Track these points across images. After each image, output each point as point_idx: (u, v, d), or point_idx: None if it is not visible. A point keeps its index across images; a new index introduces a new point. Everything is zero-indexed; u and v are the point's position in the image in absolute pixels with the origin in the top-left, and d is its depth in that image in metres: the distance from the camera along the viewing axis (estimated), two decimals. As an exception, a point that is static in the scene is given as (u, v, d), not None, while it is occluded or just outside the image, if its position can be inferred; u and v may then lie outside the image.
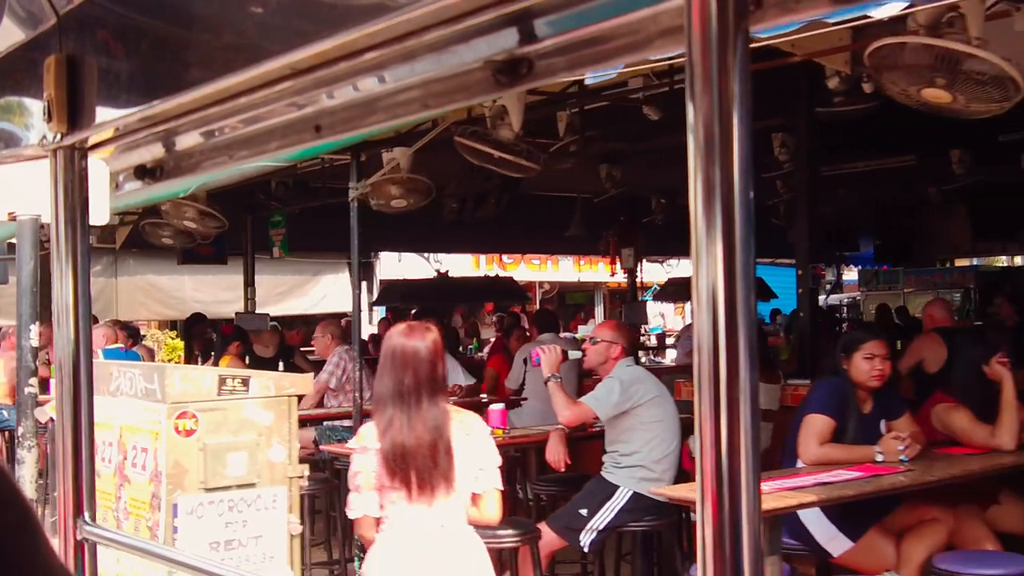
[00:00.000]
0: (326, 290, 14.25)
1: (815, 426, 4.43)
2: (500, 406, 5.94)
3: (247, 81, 1.53)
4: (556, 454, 5.30)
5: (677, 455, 5.01)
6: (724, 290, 0.97)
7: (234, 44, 1.56)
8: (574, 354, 5.62)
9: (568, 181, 9.14)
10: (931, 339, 6.75)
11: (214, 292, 12.66)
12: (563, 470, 5.40)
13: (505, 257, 18.74)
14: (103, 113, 1.88)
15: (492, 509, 3.42)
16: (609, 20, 1.10)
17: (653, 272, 17.99)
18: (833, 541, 4.30)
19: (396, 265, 16.55)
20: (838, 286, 16.57)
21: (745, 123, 0.97)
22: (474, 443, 3.40)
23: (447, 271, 14.79)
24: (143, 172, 2.01)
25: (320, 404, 7.29)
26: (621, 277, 13.05)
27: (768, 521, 3.67)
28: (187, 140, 1.89)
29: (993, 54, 3.34)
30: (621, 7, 1.08)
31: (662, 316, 21.45)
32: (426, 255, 16.68)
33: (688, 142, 0.98)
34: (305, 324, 11.89)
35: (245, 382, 4.00)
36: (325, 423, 6.97)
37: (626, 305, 12.87)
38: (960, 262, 15.90)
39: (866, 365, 4.51)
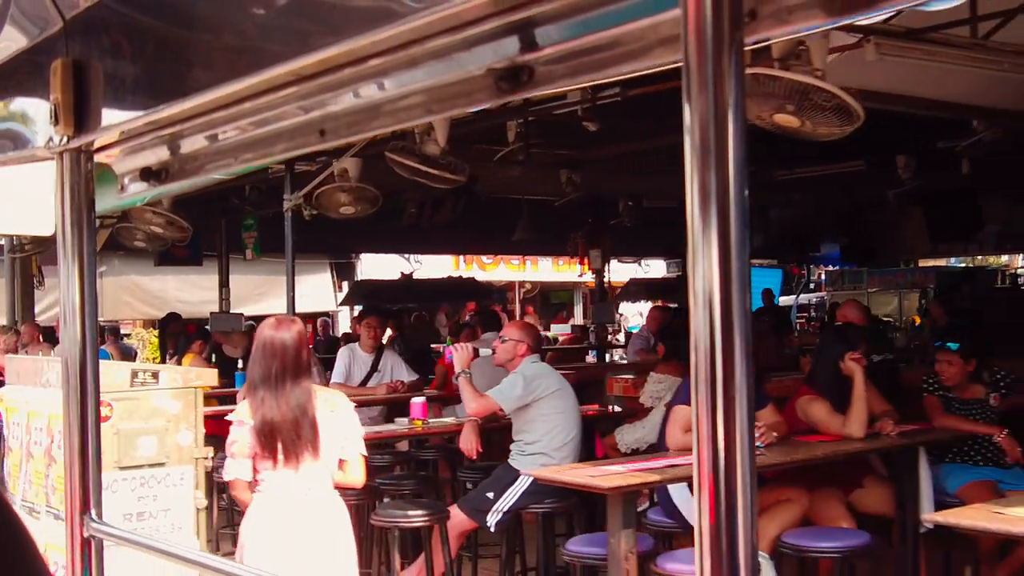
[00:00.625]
0: (306, 290, 14.47)
1: (680, 416, 4.89)
2: (421, 399, 6.51)
3: (253, 86, 1.55)
4: (468, 442, 5.88)
5: (577, 443, 5.47)
6: (720, 290, 0.99)
7: (240, 49, 1.58)
8: (484, 352, 6.14)
9: (535, 185, 9.66)
10: None
11: (197, 292, 12.98)
12: (474, 457, 5.91)
13: (484, 258, 18.99)
14: (109, 116, 1.91)
15: (356, 473, 4.07)
16: (609, 29, 1.13)
17: (629, 272, 18.22)
18: None
19: (376, 265, 16.93)
20: (807, 286, 17.20)
21: (740, 128, 0.99)
22: (338, 418, 4.02)
23: (411, 273, 15.35)
24: (149, 174, 2.04)
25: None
26: (591, 277, 13.39)
27: (621, 496, 4.22)
28: (193, 143, 1.91)
29: (835, 86, 3.78)
30: (621, 17, 1.10)
31: (641, 315, 21.70)
32: (407, 256, 16.99)
33: (684, 146, 1.01)
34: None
35: (155, 375, 4.55)
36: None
37: (594, 305, 13.24)
38: (924, 262, 16.10)
39: None
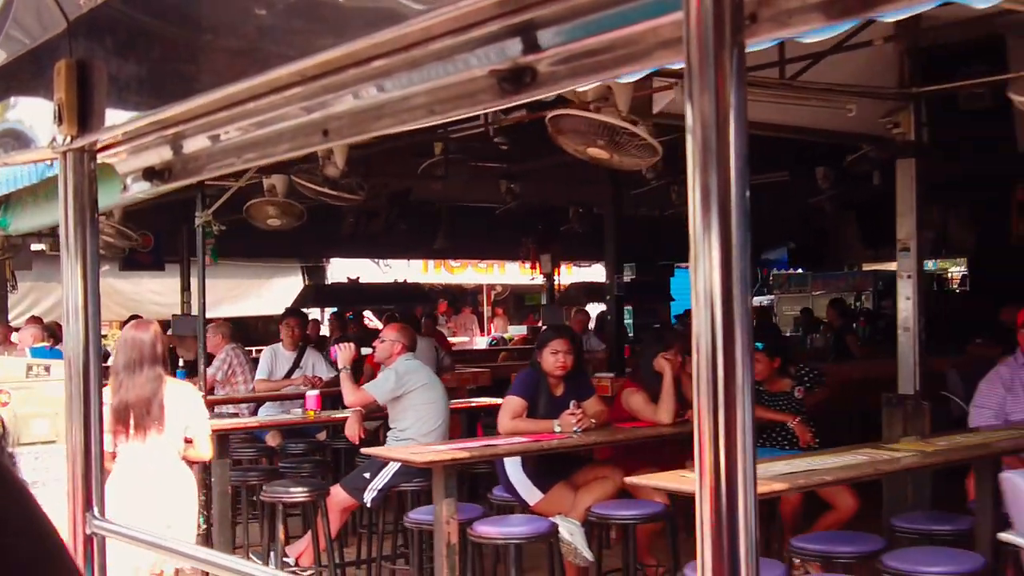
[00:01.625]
0: (278, 292, 15.43)
1: (509, 405, 5.69)
2: (315, 392, 7.18)
3: (256, 87, 1.56)
4: (352, 430, 6.55)
5: (444, 430, 6.26)
6: (721, 289, 1.00)
7: (243, 50, 1.59)
8: (366, 350, 7.07)
9: (476, 194, 10.83)
10: None
11: (171, 295, 13.34)
12: (357, 443, 6.53)
13: (453, 262, 19.53)
14: (112, 116, 1.91)
15: (204, 448, 4.94)
16: (611, 32, 1.14)
17: (595, 275, 18.79)
18: (529, 493, 5.61)
19: (346, 269, 17.63)
20: (761, 289, 18.28)
21: (741, 128, 1.01)
22: (185, 403, 4.88)
23: (358, 277, 16.45)
24: (152, 174, 2.05)
25: (212, 393, 8.24)
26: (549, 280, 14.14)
27: (442, 470, 4.91)
28: (195, 143, 1.92)
29: (641, 128, 4.51)
30: (623, 20, 1.11)
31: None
32: (376, 260, 17.74)
33: (687, 146, 1.02)
34: (264, 324, 13.16)
35: (47, 368, 5.36)
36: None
37: (544, 307, 13.93)
38: (869, 266, 16.78)
39: (551, 358, 5.71)
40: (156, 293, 13.99)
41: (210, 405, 7.77)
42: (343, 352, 6.43)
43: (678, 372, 5.99)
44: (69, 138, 1.96)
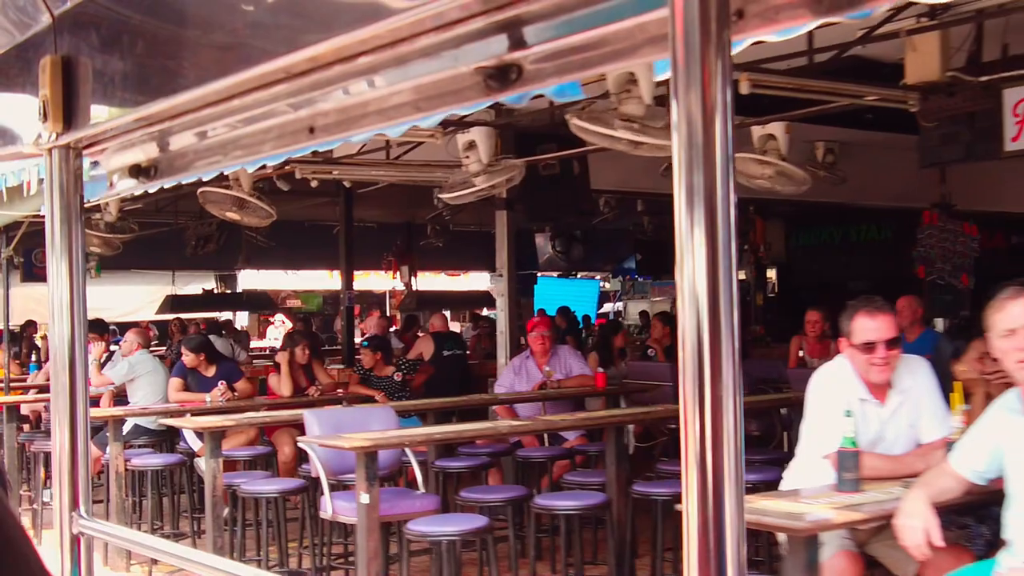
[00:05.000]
0: (143, 298, 17.95)
1: (172, 384, 8.16)
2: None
3: (242, 83, 1.55)
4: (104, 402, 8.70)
5: (164, 399, 8.23)
6: (707, 287, 0.99)
7: (229, 46, 1.58)
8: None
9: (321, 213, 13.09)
10: (426, 339, 10.36)
11: (93, 301, 14.56)
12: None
13: (357, 272, 21.08)
14: (98, 113, 1.90)
15: None
16: (597, 28, 1.13)
17: (468, 283, 21.31)
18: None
19: (256, 278, 19.59)
20: (619, 296, 20.95)
21: (726, 127, 1.00)
22: None
23: (212, 288, 18.59)
24: (137, 171, 2.04)
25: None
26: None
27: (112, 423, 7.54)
28: (182, 140, 1.91)
29: (260, 200, 6.95)
30: (609, 16, 1.11)
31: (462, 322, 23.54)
32: (286, 270, 20.01)
33: (673, 144, 1.01)
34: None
35: None
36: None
37: (401, 312, 16.29)
38: None
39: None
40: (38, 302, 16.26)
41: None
42: (124, 345, 8.77)
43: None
44: (54, 135, 1.95)
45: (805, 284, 15.57)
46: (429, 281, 19.65)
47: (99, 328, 9.62)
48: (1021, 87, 5.68)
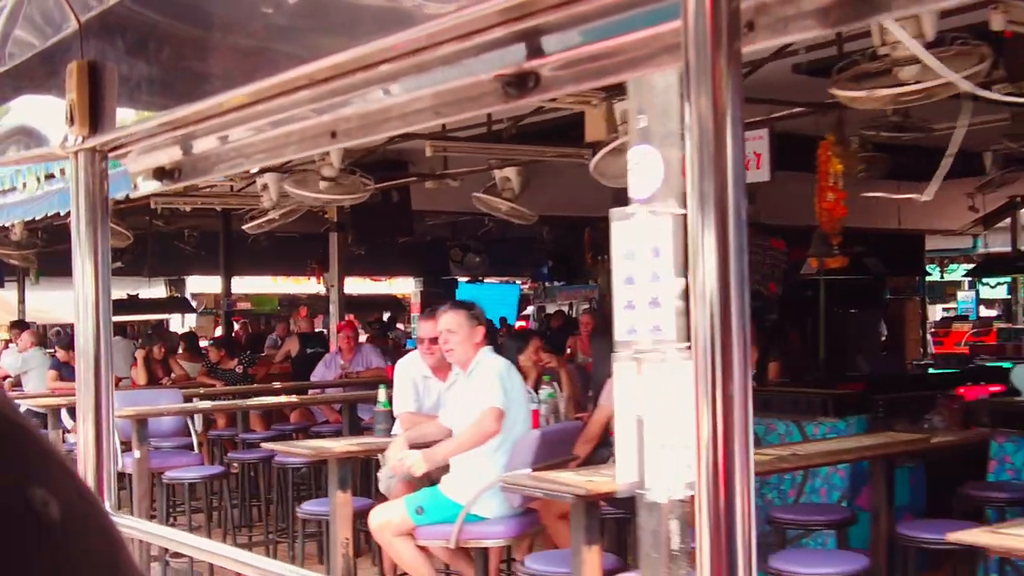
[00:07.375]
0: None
1: (48, 375, 9.24)
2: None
3: (266, 89, 1.59)
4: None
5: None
6: (719, 290, 1.03)
7: (253, 52, 1.62)
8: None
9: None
10: (293, 339, 11.75)
11: (44, 303, 16.70)
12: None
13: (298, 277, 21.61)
14: (123, 117, 1.95)
15: None
16: (613, 38, 1.17)
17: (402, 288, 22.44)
18: None
19: (203, 283, 20.41)
20: (534, 298, 22.07)
21: (737, 132, 1.04)
22: None
23: (137, 294, 19.04)
24: (162, 174, 2.08)
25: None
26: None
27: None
28: (205, 144, 1.95)
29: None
30: (624, 26, 1.14)
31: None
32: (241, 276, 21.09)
33: (686, 149, 1.05)
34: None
35: None
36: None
37: (326, 316, 16.99)
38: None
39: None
40: (33, 302, 16.96)
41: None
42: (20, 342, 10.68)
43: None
44: (80, 138, 1.99)
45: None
46: (356, 285, 20.11)
47: (21, 327, 11.49)
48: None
